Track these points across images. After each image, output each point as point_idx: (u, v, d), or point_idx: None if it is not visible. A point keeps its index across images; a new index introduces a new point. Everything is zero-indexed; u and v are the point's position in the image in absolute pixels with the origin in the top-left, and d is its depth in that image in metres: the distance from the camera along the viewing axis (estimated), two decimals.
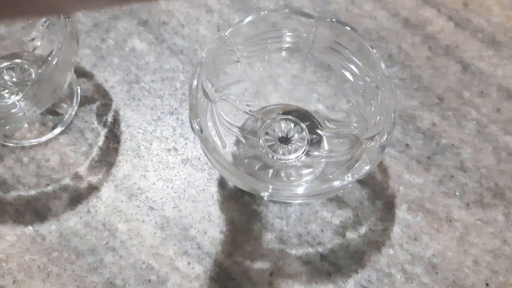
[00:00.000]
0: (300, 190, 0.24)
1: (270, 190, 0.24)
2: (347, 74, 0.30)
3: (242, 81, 0.32)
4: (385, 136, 0.26)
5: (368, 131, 0.29)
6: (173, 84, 0.37)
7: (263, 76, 0.33)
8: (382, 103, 0.28)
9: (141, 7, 0.40)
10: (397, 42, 0.39)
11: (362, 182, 0.34)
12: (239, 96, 0.32)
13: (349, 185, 0.26)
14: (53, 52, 0.28)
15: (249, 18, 0.29)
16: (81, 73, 0.37)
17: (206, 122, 0.29)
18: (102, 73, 0.37)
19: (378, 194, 0.34)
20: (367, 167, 0.26)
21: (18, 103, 0.28)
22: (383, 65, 0.28)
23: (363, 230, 0.33)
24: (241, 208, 0.33)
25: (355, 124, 0.31)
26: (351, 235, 0.33)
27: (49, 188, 0.33)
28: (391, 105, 0.26)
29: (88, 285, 0.31)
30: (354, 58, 0.29)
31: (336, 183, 0.24)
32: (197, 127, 0.27)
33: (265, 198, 0.27)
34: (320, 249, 0.33)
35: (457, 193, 0.34)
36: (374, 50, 0.28)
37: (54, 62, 0.28)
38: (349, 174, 0.25)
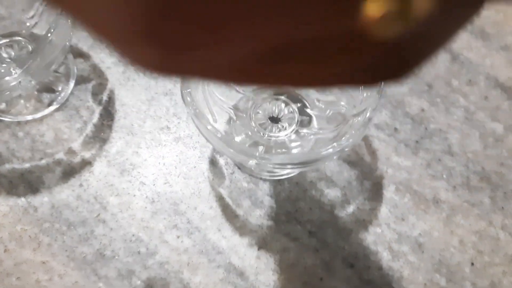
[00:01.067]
0: (287, 158, 0.25)
1: (258, 154, 0.25)
2: None
3: None
4: (370, 110, 0.26)
5: (356, 108, 0.29)
6: None
7: None
8: None
9: None
10: None
11: (350, 163, 0.35)
12: None
13: (335, 155, 0.26)
14: (48, 29, 0.29)
15: None
16: (78, 54, 0.38)
17: (197, 95, 0.29)
18: (99, 54, 0.38)
19: (367, 175, 0.35)
20: (351, 140, 0.26)
21: (13, 71, 0.28)
22: None
23: (351, 209, 0.34)
24: (231, 185, 0.34)
25: (343, 103, 0.31)
26: (339, 213, 0.34)
27: (43, 161, 0.34)
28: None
29: (78, 255, 0.31)
30: None
31: (322, 151, 0.25)
32: (188, 98, 0.27)
33: (253, 168, 0.28)
34: (308, 226, 0.33)
35: (444, 176, 0.35)
36: None
37: (49, 37, 0.29)
38: (335, 144, 0.25)
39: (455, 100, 0.38)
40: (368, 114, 0.26)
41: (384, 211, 0.34)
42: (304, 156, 0.25)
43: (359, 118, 0.28)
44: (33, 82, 0.31)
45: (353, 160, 0.35)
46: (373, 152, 0.36)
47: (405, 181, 0.35)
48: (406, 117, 0.37)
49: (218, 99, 0.33)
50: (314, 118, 0.33)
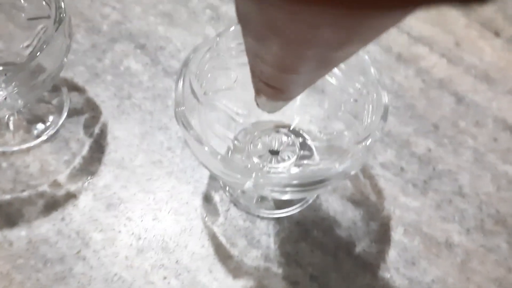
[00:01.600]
0: (286, 178, 0.23)
1: (254, 176, 0.22)
2: (333, 81, 0.30)
3: (233, 90, 0.31)
4: (374, 135, 0.25)
5: (359, 135, 0.27)
6: (165, 102, 0.37)
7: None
8: (372, 106, 0.27)
9: (139, 32, 0.41)
10: (390, 74, 0.40)
11: (355, 202, 0.33)
12: (229, 105, 0.32)
13: (337, 178, 0.24)
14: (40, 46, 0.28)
15: None
16: (73, 87, 0.37)
17: (195, 126, 0.27)
18: (94, 88, 0.37)
19: (373, 216, 0.32)
20: (355, 162, 0.24)
21: None
22: (373, 70, 0.27)
23: (356, 251, 0.31)
24: (226, 222, 0.31)
25: (346, 133, 0.30)
26: (343, 256, 0.31)
27: (25, 193, 0.32)
28: (381, 105, 0.26)
29: None
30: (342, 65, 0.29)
31: (323, 169, 0.23)
32: (184, 121, 0.25)
33: (250, 191, 0.25)
34: (309, 270, 0.30)
35: (456, 218, 0.32)
36: (366, 56, 0.28)
37: (36, 55, 0.28)
38: (337, 163, 0.23)
39: (463, 141, 0.36)
40: (372, 137, 0.24)
41: (392, 254, 0.31)
42: (304, 176, 0.22)
43: (362, 144, 0.26)
44: (20, 102, 0.29)
45: (357, 200, 0.33)
46: (379, 192, 0.33)
47: (414, 222, 0.32)
48: (413, 157, 0.35)
49: (218, 131, 0.31)
50: (314, 150, 0.32)
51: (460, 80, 0.39)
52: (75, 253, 0.30)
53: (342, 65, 0.29)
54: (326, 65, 0.16)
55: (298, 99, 0.34)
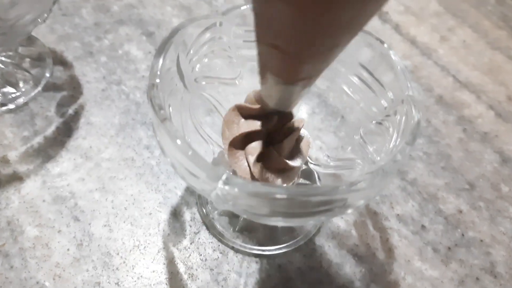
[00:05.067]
0: (266, 188, 0.16)
1: (224, 179, 0.16)
2: (355, 97, 0.24)
3: (233, 87, 0.26)
4: (395, 160, 0.18)
5: (375, 163, 0.21)
6: None
7: None
8: (398, 130, 0.21)
9: (151, 20, 0.36)
10: (426, 115, 0.33)
11: (358, 256, 0.26)
12: (223, 103, 0.26)
13: (335, 200, 0.18)
14: None
15: None
16: (60, 61, 0.32)
17: (169, 102, 0.22)
18: (84, 67, 0.32)
19: (376, 278, 0.25)
20: (364, 194, 0.18)
21: None
22: (408, 84, 0.21)
23: None
24: (192, 247, 0.25)
25: (359, 161, 0.23)
26: None
27: None
28: (410, 126, 0.20)
29: None
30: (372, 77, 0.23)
31: (317, 186, 0.16)
32: (153, 94, 0.19)
33: (213, 197, 0.19)
34: None
35: None
36: (399, 66, 0.22)
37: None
38: (343, 187, 0.17)
39: (503, 209, 0.29)
40: (390, 164, 0.18)
41: None
42: (290, 191, 0.16)
43: (376, 173, 0.20)
44: None
45: (361, 254, 0.26)
46: (389, 249, 0.26)
47: None
48: (439, 216, 0.28)
49: (203, 130, 0.25)
50: (317, 176, 0.25)
51: (508, 138, 0.33)
52: None
53: (368, 79, 0.23)
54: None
55: (311, 120, 0.28)
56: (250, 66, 0.25)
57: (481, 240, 0.27)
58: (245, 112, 0.23)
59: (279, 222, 0.21)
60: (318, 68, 0.16)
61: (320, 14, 0.12)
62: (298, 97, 0.19)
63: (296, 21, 0.12)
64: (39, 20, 0.26)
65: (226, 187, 0.17)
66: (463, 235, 0.27)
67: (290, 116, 0.22)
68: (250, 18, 0.24)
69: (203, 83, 0.24)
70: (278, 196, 0.16)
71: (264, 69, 0.18)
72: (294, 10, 0.12)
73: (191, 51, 0.23)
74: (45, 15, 0.26)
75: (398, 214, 0.28)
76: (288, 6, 0.12)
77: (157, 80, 0.20)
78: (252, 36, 0.25)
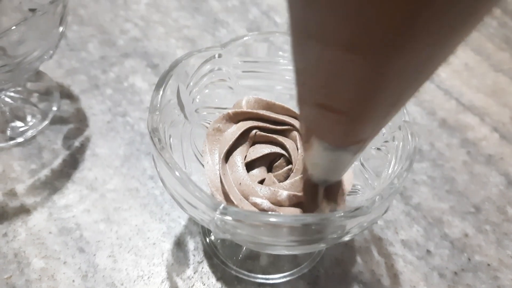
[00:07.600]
0: (262, 217, 0.17)
1: (221, 209, 0.17)
2: None
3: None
4: (392, 186, 0.18)
5: (375, 189, 0.21)
6: None
7: None
8: (396, 156, 0.21)
9: (155, 52, 0.37)
10: (429, 139, 0.33)
11: (362, 283, 0.26)
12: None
13: (332, 227, 0.18)
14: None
15: (256, 34, 0.24)
16: (67, 95, 0.33)
17: (169, 133, 0.22)
18: (90, 100, 0.33)
19: None
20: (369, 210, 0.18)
21: None
22: (405, 110, 0.22)
23: None
24: (195, 277, 0.25)
25: (359, 187, 0.23)
26: None
27: None
28: (405, 152, 0.20)
29: None
30: None
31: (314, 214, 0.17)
32: (152, 126, 0.20)
33: (212, 227, 0.19)
34: None
35: None
36: None
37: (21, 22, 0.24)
38: (341, 212, 0.17)
39: (510, 232, 0.29)
40: (391, 189, 0.18)
41: None
42: (285, 219, 0.16)
43: (376, 198, 0.20)
44: None
45: (366, 280, 0.26)
46: (394, 276, 0.26)
47: None
48: (444, 240, 0.28)
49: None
50: None
51: None
52: (4, 277, 0.24)
53: None
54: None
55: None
56: (251, 94, 0.26)
57: (488, 264, 0.27)
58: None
59: (278, 251, 0.21)
60: (377, 128, 0.14)
61: (394, 58, 0.10)
62: (349, 164, 0.16)
63: (362, 71, 0.10)
64: (45, 57, 0.27)
65: (225, 217, 0.17)
66: (469, 259, 0.27)
67: (338, 185, 0.20)
68: (249, 49, 0.25)
69: (204, 113, 0.25)
70: (272, 220, 0.16)
71: (308, 133, 0.15)
72: (360, 57, 0.10)
73: (191, 83, 0.23)
74: (51, 51, 0.27)
75: (402, 239, 0.28)
76: (353, 54, 0.10)
77: (157, 113, 0.20)
78: (251, 67, 0.26)
